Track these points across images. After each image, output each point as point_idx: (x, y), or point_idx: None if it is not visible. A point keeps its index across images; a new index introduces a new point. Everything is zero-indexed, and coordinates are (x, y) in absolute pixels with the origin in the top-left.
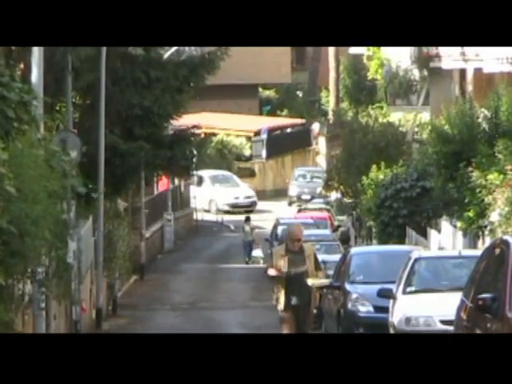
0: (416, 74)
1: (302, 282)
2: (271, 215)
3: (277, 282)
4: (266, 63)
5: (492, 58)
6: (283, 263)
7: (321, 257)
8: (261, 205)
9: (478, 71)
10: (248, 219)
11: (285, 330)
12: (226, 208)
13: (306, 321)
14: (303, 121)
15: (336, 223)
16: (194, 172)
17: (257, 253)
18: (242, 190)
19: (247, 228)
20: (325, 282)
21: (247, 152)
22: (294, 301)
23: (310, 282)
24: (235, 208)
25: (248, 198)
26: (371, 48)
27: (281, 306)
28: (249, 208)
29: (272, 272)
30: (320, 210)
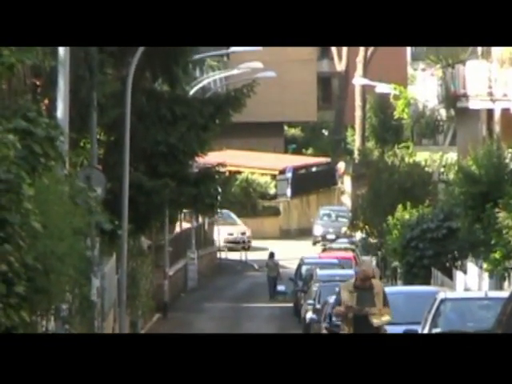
0: (443, 113)
1: (369, 321)
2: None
3: (343, 321)
4: (292, 101)
5: None
6: (352, 300)
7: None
8: (285, 244)
9: (505, 111)
10: (272, 255)
11: None
12: (223, 244)
13: None
14: (328, 160)
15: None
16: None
17: (281, 288)
18: (237, 228)
19: (271, 263)
20: (388, 319)
21: (272, 191)
22: None
23: (375, 321)
24: (230, 244)
25: (243, 234)
26: (398, 87)
27: None
28: (243, 244)
29: (340, 309)
30: (345, 249)
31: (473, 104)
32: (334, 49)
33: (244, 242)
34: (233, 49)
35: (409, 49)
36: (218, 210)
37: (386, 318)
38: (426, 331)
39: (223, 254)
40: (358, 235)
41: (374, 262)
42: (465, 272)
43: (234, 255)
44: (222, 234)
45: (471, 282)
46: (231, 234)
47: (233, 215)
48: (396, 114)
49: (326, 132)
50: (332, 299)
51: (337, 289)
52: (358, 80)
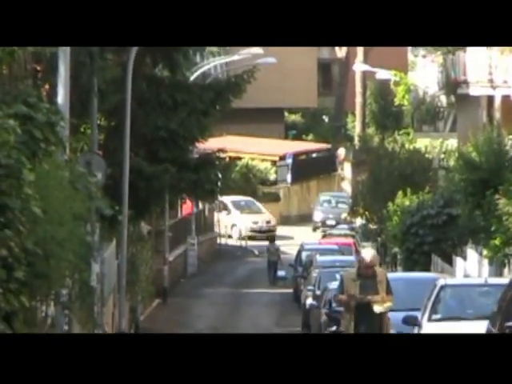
0: (443, 100)
1: (372, 309)
2: (293, 241)
3: (346, 309)
4: (293, 87)
5: None
6: (354, 288)
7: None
8: (285, 230)
9: (506, 98)
10: (273, 239)
11: None
12: (248, 233)
13: None
14: (329, 146)
15: (361, 249)
16: (218, 198)
17: (281, 273)
18: (263, 216)
19: (272, 248)
20: (390, 305)
21: (272, 177)
22: (363, 329)
23: (377, 308)
24: (256, 233)
25: (268, 223)
26: (398, 73)
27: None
28: (269, 233)
29: (343, 297)
30: (345, 236)
31: (473, 90)
32: None
33: (269, 230)
34: None
35: None
36: (218, 198)
37: (387, 304)
38: (425, 317)
39: (223, 240)
40: (358, 221)
41: (374, 250)
42: (465, 258)
43: (234, 241)
44: (246, 222)
45: (471, 268)
46: (256, 223)
47: (257, 203)
48: (396, 101)
49: (326, 118)
50: (332, 285)
51: (337, 275)
52: (359, 66)
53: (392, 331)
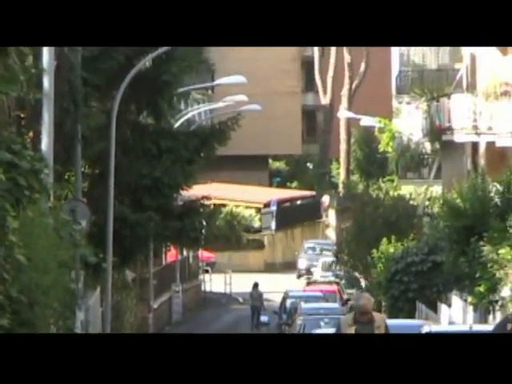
0: (428, 147)
1: None
2: (277, 288)
3: None
4: (277, 134)
5: (505, 132)
6: None
7: (330, 330)
8: (270, 277)
9: (490, 145)
10: (256, 285)
11: None
12: None
13: None
14: (313, 193)
15: (345, 296)
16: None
17: (264, 319)
18: None
19: (255, 294)
20: None
21: (256, 224)
22: None
23: None
24: None
25: None
26: (382, 120)
27: None
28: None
29: None
30: (329, 283)
31: (458, 137)
32: (318, 81)
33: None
34: (218, 81)
35: (393, 82)
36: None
37: None
38: None
39: (207, 287)
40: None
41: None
42: (449, 305)
43: (219, 288)
44: None
45: (456, 315)
46: None
47: None
48: (381, 148)
49: (310, 165)
50: (316, 332)
51: (321, 322)
52: (343, 113)
53: None
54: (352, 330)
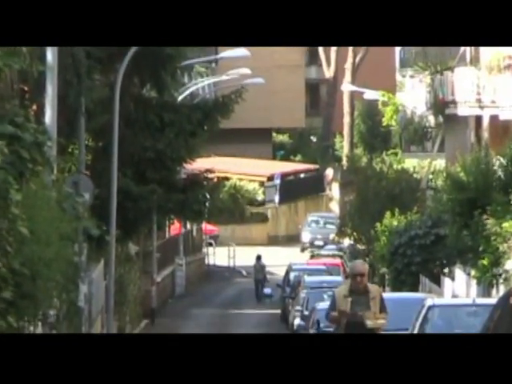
0: (431, 120)
1: (364, 326)
2: (281, 261)
3: (337, 326)
4: (280, 108)
5: (508, 105)
6: (346, 305)
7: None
8: (273, 250)
9: (494, 118)
10: (259, 257)
11: None
12: None
13: None
14: (317, 166)
15: (348, 270)
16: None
17: (267, 291)
18: None
19: (258, 266)
20: (383, 322)
21: (260, 197)
22: None
23: (368, 323)
24: None
25: None
26: (386, 94)
27: None
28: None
29: (333, 314)
30: (333, 256)
31: (461, 111)
32: (322, 55)
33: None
34: (221, 55)
35: (397, 55)
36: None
37: (380, 321)
38: None
39: (211, 260)
40: (346, 242)
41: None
42: (453, 279)
43: (222, 261)
44: None
45: (459, 288)
46: None
47: None
48: (384, 121)
49: (314, 139)
50: (320, 306)
51: (325, 296)
52: (347, 86)
53: None
54: (347, 301)
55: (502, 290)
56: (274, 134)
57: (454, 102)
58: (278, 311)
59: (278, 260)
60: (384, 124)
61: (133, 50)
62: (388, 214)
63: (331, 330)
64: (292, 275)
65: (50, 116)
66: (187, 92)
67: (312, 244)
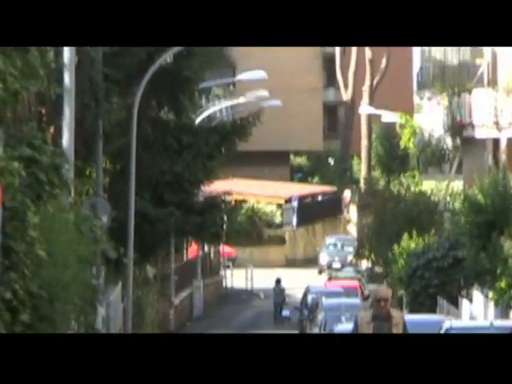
0: (449, 142)
1: None
2: (299, 284)
3: None
4: (298, 130)
5: None
6: (368, 331)
7: (351, 326)
8: (291, 272)
9: (511, 140)
10: (279, 281)
11: None
12: None
13: None
14: (334, 189)
15: (366, 292)
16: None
17: (286, 313)
18: None
19: (278, 289)
20: None
21: (278, 219)
22: None
23: None
24: None
25: None
26: (404, 116)
27: None
28: None
29: None
30: (350, 278)
31: (479, 133)
32: (340, 77)
33: None
34: (239, 77)
35: (415, 77)
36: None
37: None
38: None
39: (228, 283)
40: (364, 264)
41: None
42: (470, 301)
43: (240, 284)
44: None
45: (477, 310)
46: None
47: None
48: (402, 143)
49: (332, 161)
50: (337, 328)
51: (343, 318)
52: (364, 109)
53: None
54: (370, 327)
55: None
56: (292, 157)
57: (471, 125)
58: (296, 332)
59: (296, 282)
60: (402, 146)
61: (151, 72)
62: (406, 236)
63: None
64: (310, 297)
65: (67, 139)
66: (205, 114)
67: (330, 266)
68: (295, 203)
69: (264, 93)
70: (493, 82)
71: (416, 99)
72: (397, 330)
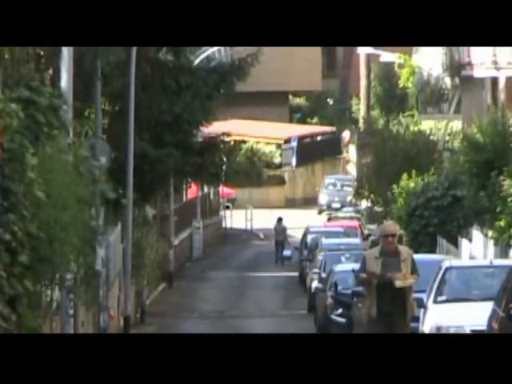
0: (447, 82)
1: (394, 287)
2: (299, 224)
3: (367, 288)
4: (297, 70)
5: None
6: (376, 267)
7: (351, 265)
8: (291, 213)
9: (510, 79)
10: (280, 220)
11: None
12: None
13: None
14: (333, 129)
15: (366, 232)
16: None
17: (287, 253)
18: None
19: (279, 228)
20: (412, 281)
21: (277, 160)
22: (385, 308)
23: (397, 283)
24: None
25: None
26: (402, 56)
27: (372, 313)
28: None
29: (364, 275)
30: (350, 218)
31: (477, 72)
32: None
33: None
34: None
35: None
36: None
37: (409, 280)
38: (431, 299)
39: (228, 223)
40: (364, 204)
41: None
42: (470, 240)
43: (239, 224)
44: None
45: (476, 250)
46: None
47: None
48: (401, 83)
49: (331, 101)
50: (337, 268)
51: (342, 258)
52: (363, 49)
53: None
54: (378, 263)
55: None
56: (291, 97)
57: (470, 64)
58: (296, 274)
59: (296, 222)
60: (400, 86)
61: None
62: (405, 175)
63: (349, 292)
64: (309, 238)
65: (65, 80)
66: (203, 55)
67: (329, 206)
68: (294, 143)
69: None
70: None
71: None
72: (405, 265)
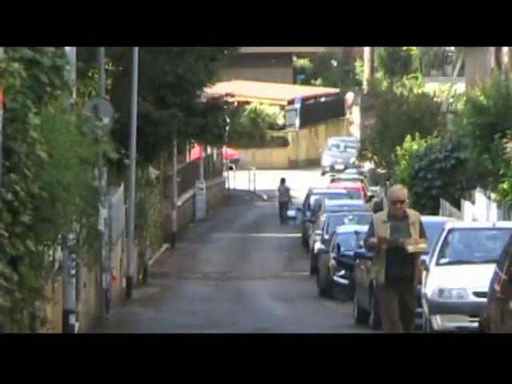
0: None
1: (405, 252)
2: (302, 185)
3: (376, 253)
4: None
5: None
6: (385, 231)
7: (354, 227)
8: (294, 174)
9: None
10: (283, 180)
11: (384, 309)
12: None
13: (409, 297)
14: (337, 90)
15: (369, 194)
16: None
17: (291, 213)
18: None
19: (282, 189)
20: (424, 246)
21: (280, 121)
22: (394, 273)
23: (410, 248)
24: None
25: None
26: None
27: (380, 279)
28: None
29: (373, 240)
30: (353, 180)
31: None
32: None
33: None
34: None
35: None
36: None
37: (421, 245)
38: (433, 261)
39: (231, 184)
40: (367, 166)
41: (383, 193)
42: (473, 202)
43: (243, 185)
44: None
45: (479, 212)
46: None
47: None
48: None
49: (334, 63)
50: (340, 229)
51: (345, 219)
52: None
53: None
54: (387, 227)
55: None
56: (295, 59)
57: None
58: (299, 235)
59: (299, 184)
60: (404, 48)
61: None
62: (408, 137)
63: (351, 253)
64: (312, 199)
65: None
66: None
67: (332, 168)
68: (298, 105)
69: None
70: None
71: None
72: (414, 229)
